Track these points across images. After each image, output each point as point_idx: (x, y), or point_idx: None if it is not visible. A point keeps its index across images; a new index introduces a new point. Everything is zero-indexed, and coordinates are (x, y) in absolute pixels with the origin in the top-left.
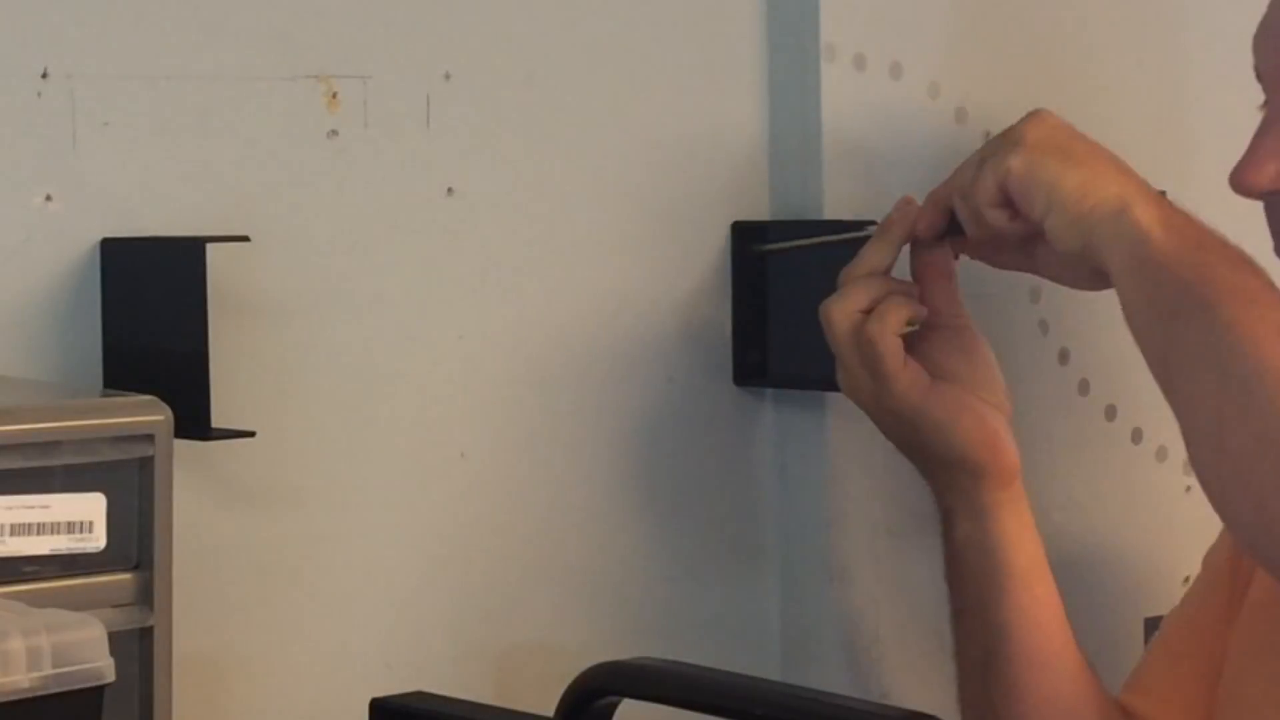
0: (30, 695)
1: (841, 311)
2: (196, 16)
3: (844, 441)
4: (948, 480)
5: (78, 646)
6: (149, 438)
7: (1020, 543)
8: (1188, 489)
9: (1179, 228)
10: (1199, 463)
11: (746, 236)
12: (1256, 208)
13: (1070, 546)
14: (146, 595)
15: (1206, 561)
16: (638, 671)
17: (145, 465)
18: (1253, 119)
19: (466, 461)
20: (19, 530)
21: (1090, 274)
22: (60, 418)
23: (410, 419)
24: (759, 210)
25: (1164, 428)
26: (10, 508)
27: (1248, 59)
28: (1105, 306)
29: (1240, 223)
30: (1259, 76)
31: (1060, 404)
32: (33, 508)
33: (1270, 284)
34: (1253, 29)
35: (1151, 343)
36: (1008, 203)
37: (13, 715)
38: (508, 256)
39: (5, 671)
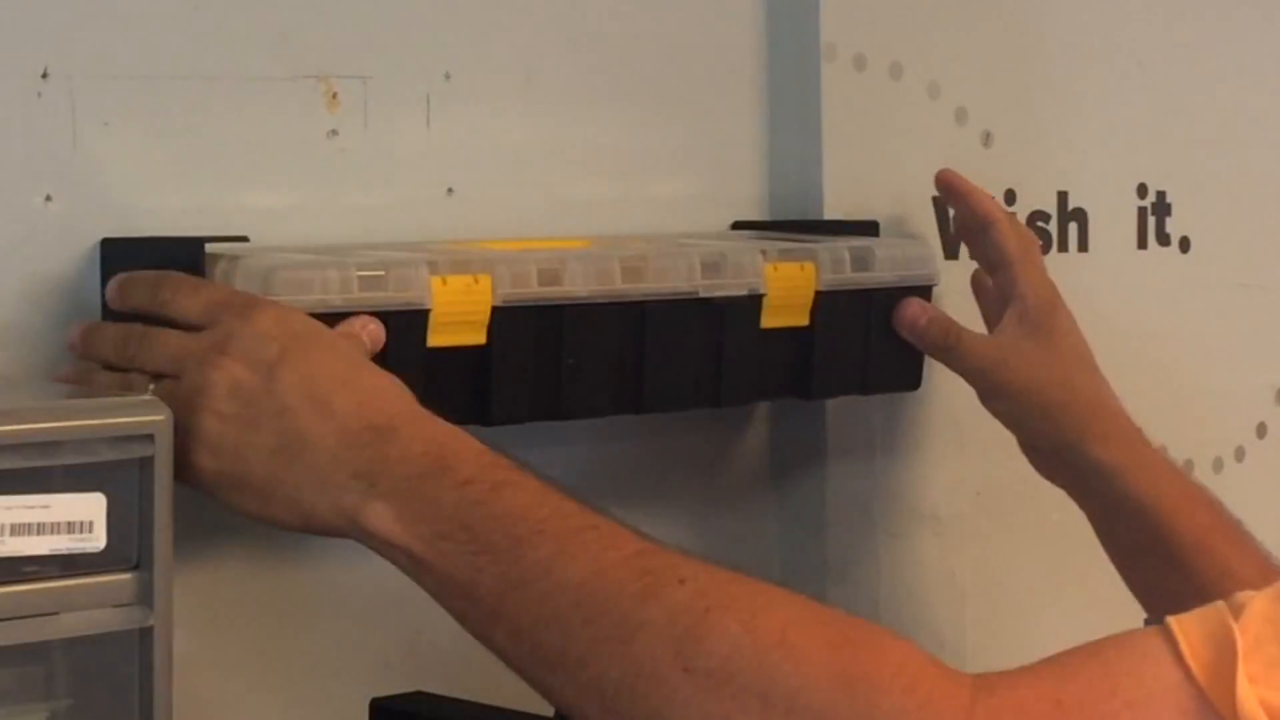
0: None
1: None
2: (196, 16)
3: (844, 441)
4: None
5: None
6: (149, 438)
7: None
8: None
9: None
10: None
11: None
12: (1257, 205)
13: (1070, 546)
14: (146, 595)
15: None
16: None
17: (145, 465)
18: (1249, 120)
19: None
20: (19, 530)
21: None
22: (60, 418)
23: None
24: (759, 210)
25: (1163, 428)
26: (10, 508)
27: (1247, 59)
28: (1106, 310)
29: (1241, 222)
30: None
31: None
32: (33, 508)
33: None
34: (1254, 30)
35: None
36: None
37: None
38: None
39: None
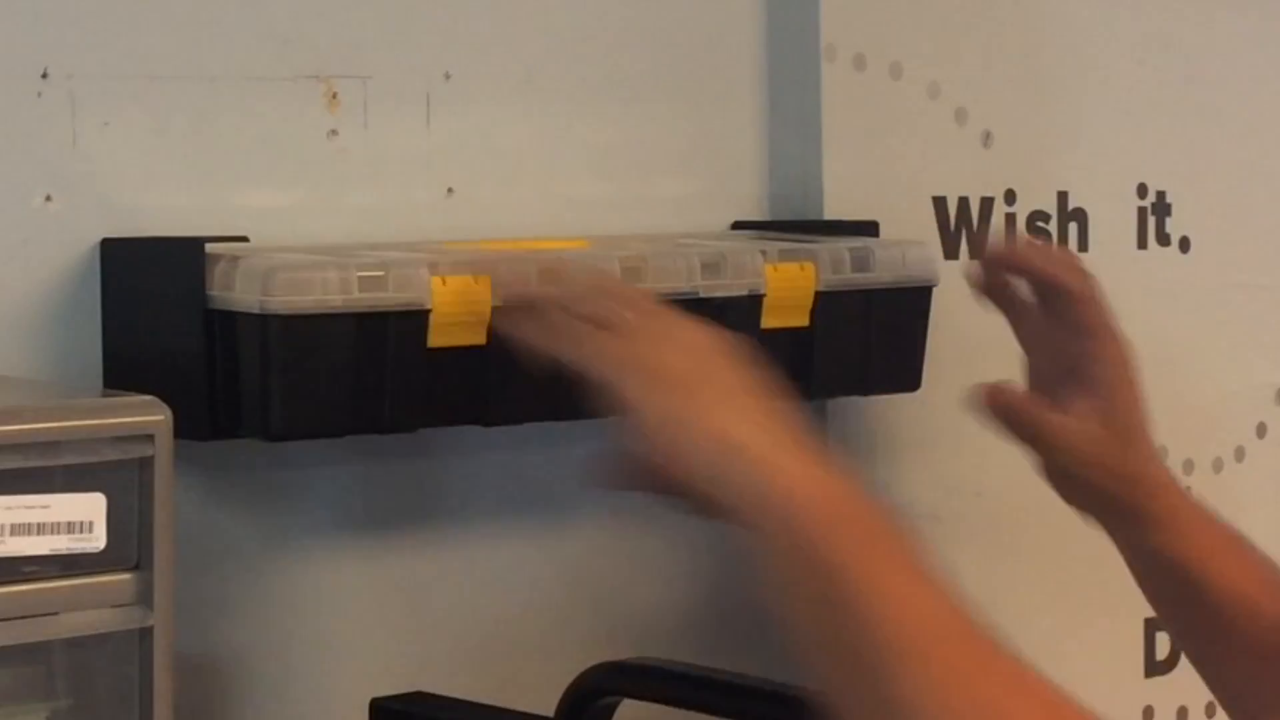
0: None
1: None
2: (196, 16)
3: (844, 441)
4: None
5: None
6: (149, 438)
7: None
8: (1187, 489)
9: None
10: None
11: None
12: (1257, 205)
13: (1070, 546)
14: (146, 595)
15: None
16: (638, 671)
17: (145, 465)
18: (1249, 120)
19: (469, 460)
20: (19, 530)
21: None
22: (60, 418)
23: None
24: (759, 210)
25: (1163, 428)
26: (10, 508)
27: (1247, 59)
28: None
29: (1241, 222)
30: None
31: None
32: (33, 508)
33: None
34: (1255, 30)
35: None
36: None
37: None
38: None
39: None
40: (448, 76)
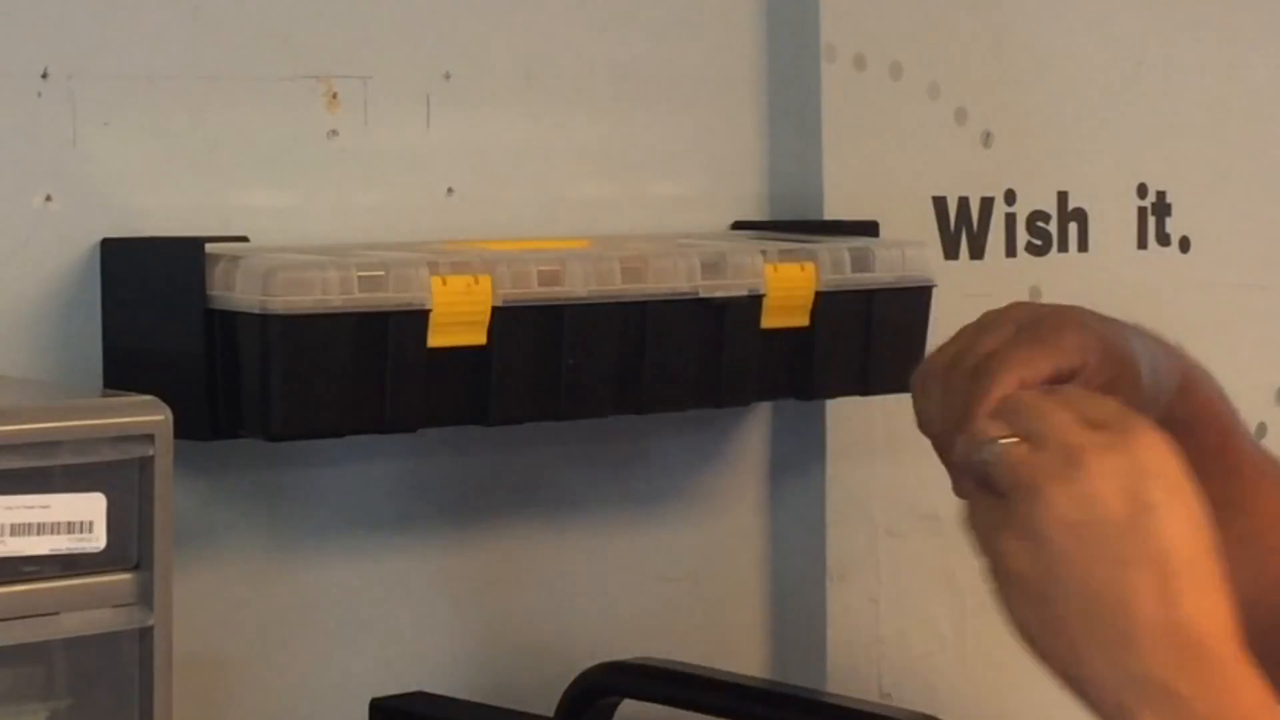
0: None
1: None
2: (197, 16)
3: (843, 442)
4: None
5: None
6: (149, 438)
7: None
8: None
9: None
10: None
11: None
12: (1257, 205)
13: None
14: (146, 595)
15: None
16: (638, 671)
17: (145, 465)
18: (1249, 120)
19: (469, 460)
20: (19, 530)
21: None
22: (60, 418)
23: None
24: (759, 210)
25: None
26: (10, 508)
27: (1247, 59)
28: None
29: (1241, 222)
30: None
31: None
32: (33, 508)
33: None
34: (1254, 30)
35: None
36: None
37: None
38: None
39: None
40: (448, 76)
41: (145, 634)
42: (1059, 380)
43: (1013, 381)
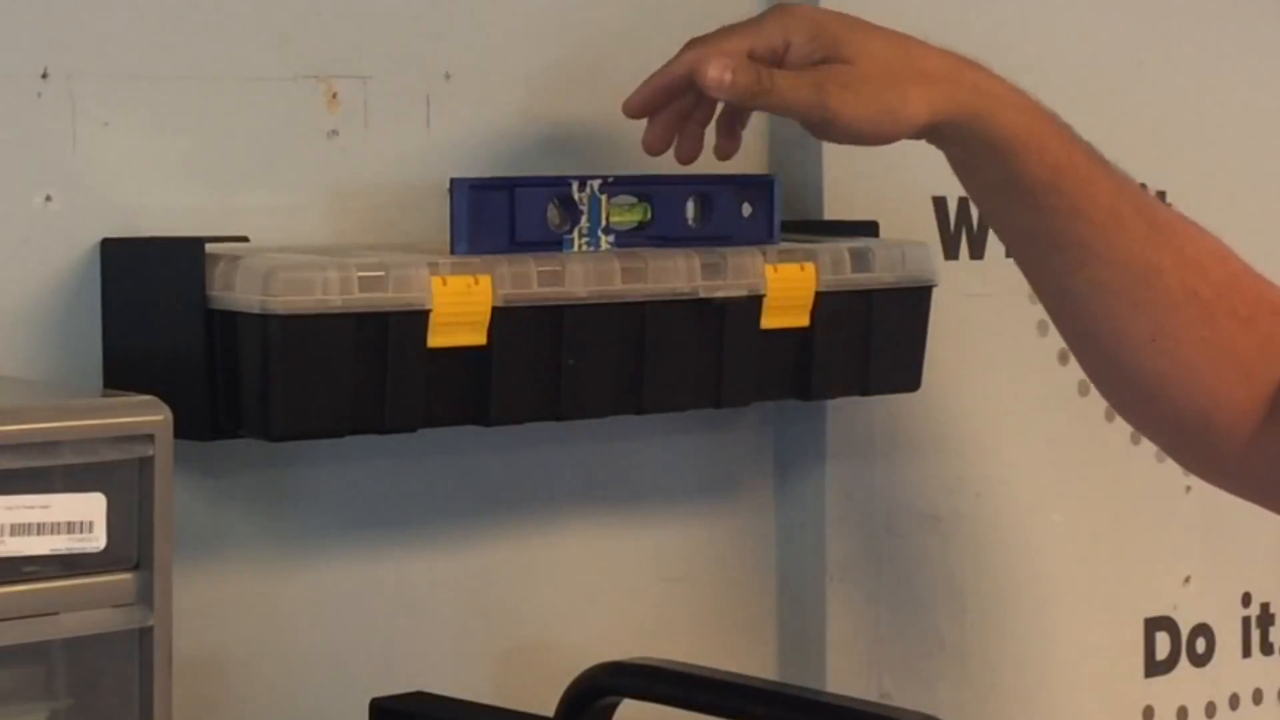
0: None
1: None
2: (196, 16)
3: (843, 442)
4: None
5: None
6: (149, 438)
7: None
8: (1188, 489)
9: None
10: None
11: None
12: (1257, 205)
13: (1070, 546)
14: (146, 595)
15: None
16: (638, 671)
17: (145, 465)
18: (1249, 120)
19: (469, 460)
20: (19, 530)
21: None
22: (60, 418)
23: None
24: None
25: None
26: (10, 508)
27: (1247, 59)
28: None
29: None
30: None
31: (1060, 404)
32: (33, 508)
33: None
34: (1255, 30)
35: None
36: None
37: None
38: None
39: None
40: (448, 76)
41: (145, 634)
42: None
43: (695, 55)
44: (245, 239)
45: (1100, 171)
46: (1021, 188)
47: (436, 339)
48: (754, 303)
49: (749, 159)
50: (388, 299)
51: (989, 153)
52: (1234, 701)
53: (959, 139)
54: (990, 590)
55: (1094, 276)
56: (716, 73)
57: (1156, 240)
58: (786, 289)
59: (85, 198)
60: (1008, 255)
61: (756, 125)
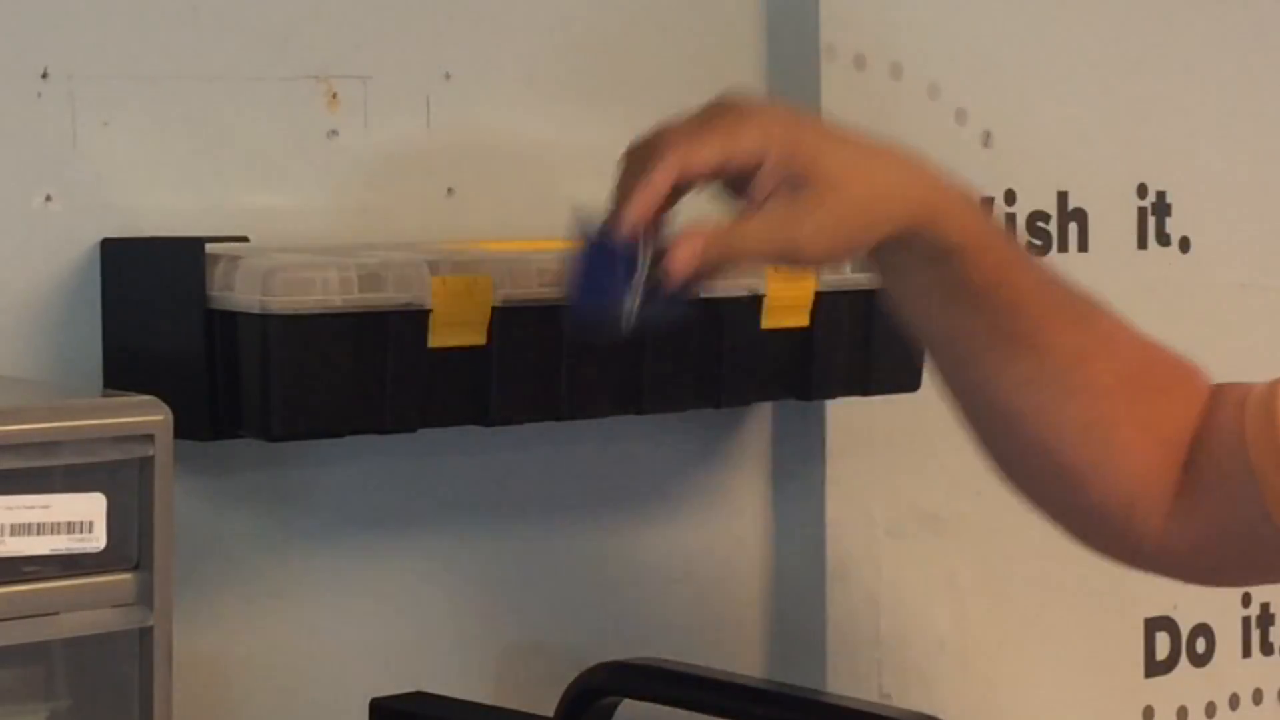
0: None
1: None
2: (196, 16)
3: (843, 442)
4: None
5: None
6: (149, 438)
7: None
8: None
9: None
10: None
11: None
12: (1257, 205)
13: (1070, 546)
14: (146, 595)
15: None
16: (638, 671)
17: (145, 465)
18: (1249, 120)
19: (469, 460)
20: (19, 530)
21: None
22: (60, 418)
23: None
24: None
25: None
26: (10, 508)
27: (1247, 59)
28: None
29: (1241, 222)
30: None
31: None
32: (33, 508)
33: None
34: (1254, 30)
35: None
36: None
37: None
38: None
39: None
40: (448, 76)
41: (145, 634)
42: (728, 173)
43: (674, 164)
44: (245, 239)
45: (1030, 262)
46: (968, 289)
47: (436, 339)
48: (754, 302)
49: None
50: (388, 299)
51: (939, 256)
52: (1234, 701)
53: (908, 245)
54: (990, 590)
55: (1026, 370)
56: (686, 257)
57: (1082, 326)
58: (786, 289)
59: (85, 198)
60: (928, 359)
61: None
